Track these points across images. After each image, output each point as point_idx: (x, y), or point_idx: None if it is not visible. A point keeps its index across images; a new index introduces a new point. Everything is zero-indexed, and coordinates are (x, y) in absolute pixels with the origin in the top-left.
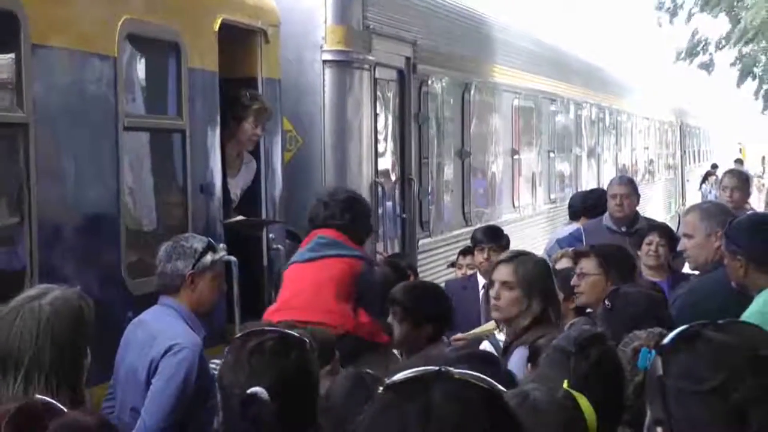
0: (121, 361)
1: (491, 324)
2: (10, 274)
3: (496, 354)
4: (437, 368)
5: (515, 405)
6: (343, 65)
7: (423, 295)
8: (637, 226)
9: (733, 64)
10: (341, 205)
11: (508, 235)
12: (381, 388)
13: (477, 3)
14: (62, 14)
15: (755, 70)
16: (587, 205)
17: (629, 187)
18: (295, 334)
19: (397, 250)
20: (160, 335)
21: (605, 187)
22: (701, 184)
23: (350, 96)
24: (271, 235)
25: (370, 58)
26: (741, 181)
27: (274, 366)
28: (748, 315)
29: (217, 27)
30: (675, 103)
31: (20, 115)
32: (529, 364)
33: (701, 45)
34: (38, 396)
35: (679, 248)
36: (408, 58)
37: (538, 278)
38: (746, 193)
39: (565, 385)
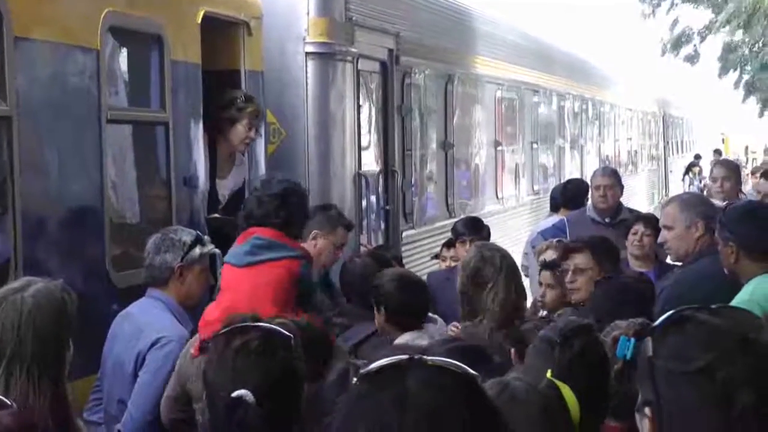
0: (109, 354)
1: None
2: None
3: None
4: (411, 356)
5: (494, 394)
6: (326, 57)
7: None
8: (620, 217)
9: (720, 58)
10: (276, 201)
11: (488, 226)
12: (355, 379)
13: None
14: (45, 7)
15: (731, 56)
16: (567, 196)
17: (613, 178)
18: (282, 330)
19: (381, 242)
20: (147, 328)
21: (588, 178)
22: (684, 175)
23: (333, 88)
24: None
25: (353, 50)
26: (730, 170)
27: (259, 367)
28: (736, 303)
29: (199, 19)
30: (658, 94)
31: (3, 108)
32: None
33: (685, 36)
34: None
35: (659, 240)
36: (391, 50)
37: None
38: (737, 182)
39: (548, 374)
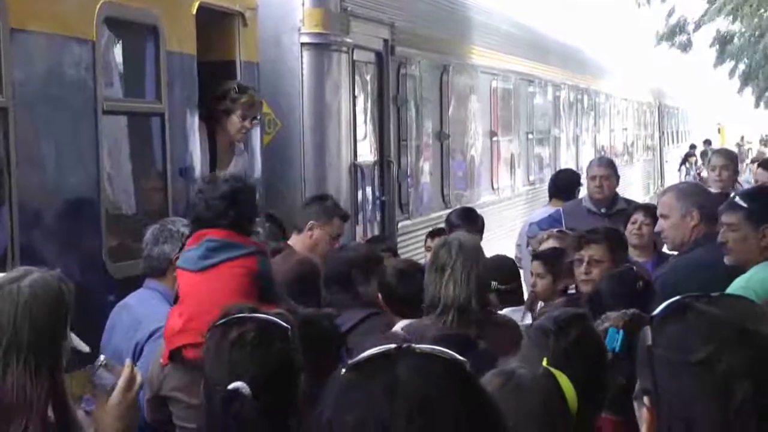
0: (107, 344)
1: None
2: None
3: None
4: (399, 345)
5: (499, 384)
6: (321, 48)
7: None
8: (616, 208)
9: (712, 45)
10: (224, 202)
11: (482, 217)
12: (343, 369)
13: None
14: None
15: (729, 47)
16: (558, 186)
17: (609, 168)
18: (278, 321)
19: (376, 232)
20: (145, 319)
21: (583, 169)
22: (680, 165)
23: (328, 79)
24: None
25: (348, 40)
26: (729, 159)
27: (255, 359)
28: (732, 290)
29: (194, 10)
30: (653, 84)
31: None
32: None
33: (679, 25)
34: None
35: (656, 229)
36: (386, 41)
37: None
38: (734, 172)
39: (544, 363)
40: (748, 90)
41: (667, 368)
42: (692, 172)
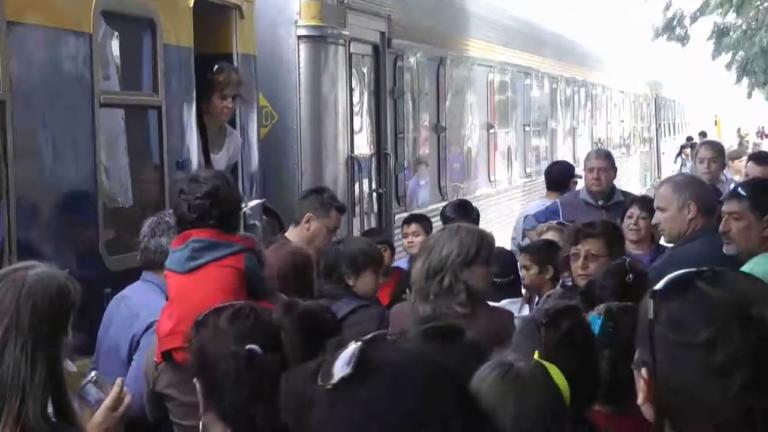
0: (104, 337)
1: None
2: None
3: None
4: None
5: (499, 375)
6: (318, 40)
7: None
8: (614, 200)
9: (709, 38)
10: (207, 201)
11: (477, 209)
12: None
13: None
14: None
15: (726, 39)
16: (552, 178)
17: (606, 160)
18: (265, 308)
19: (373, 225)
20: (142, 311)
21: (580, 161)
22: (677, 157)
23: (325, 71)
24: (247, 212)
25: (345, 33)
26: (717, 152)
27: (255, 327)
28: None
29: (191, 3)
30: (650, 76)
31: None
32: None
33: (676, 19)
34: None
35: (653, 221)
36: (383, 33)
37: None
38: (722, 165)
39: (536, 355)
40: (745, 82)
41: (666, 345)
42: (688, 164)
